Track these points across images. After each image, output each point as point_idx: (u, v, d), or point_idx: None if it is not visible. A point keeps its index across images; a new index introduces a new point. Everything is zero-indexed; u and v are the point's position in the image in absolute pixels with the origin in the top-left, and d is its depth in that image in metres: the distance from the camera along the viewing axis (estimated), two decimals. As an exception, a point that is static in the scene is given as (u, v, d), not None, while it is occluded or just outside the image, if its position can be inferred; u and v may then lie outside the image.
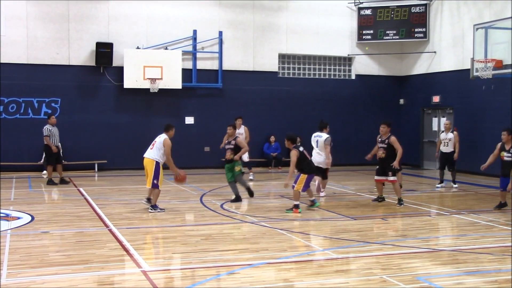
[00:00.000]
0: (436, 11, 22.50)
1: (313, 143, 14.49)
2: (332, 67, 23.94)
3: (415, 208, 13.28)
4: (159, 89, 20.72)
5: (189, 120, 21.81)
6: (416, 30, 22.92)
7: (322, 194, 14.66)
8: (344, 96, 23.68)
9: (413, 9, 22.87)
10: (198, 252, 8.80)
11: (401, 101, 24.38)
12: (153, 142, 12.40)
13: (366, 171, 18.22)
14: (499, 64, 16.06)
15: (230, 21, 22.18)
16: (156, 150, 12.23)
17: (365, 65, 24.03)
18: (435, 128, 22.72)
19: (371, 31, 23.41)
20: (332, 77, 23.89)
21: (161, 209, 12.31)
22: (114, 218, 11.43)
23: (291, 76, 23.33)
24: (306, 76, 23.55)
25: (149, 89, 20.63)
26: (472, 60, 17.13)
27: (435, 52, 22.51)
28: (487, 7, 19.92)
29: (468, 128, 20.20)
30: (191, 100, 21.92)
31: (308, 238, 9.76)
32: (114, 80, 20.86)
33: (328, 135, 14.46)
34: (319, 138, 14.39)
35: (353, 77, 24.07)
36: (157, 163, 12.19)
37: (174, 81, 20.94)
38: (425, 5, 22.68)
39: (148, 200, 12.60)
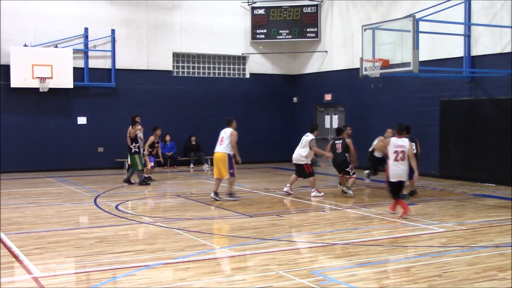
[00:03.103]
0: (326, 11, 23.15)
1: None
2: (226, 66, 24.08)
3: (309, 204, 13.62)
4: (50, 88, 20.02)
5: (82, 120, 21.25)
6: (308, 30, 23.48)
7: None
8: (239, 94, 23.88)
9: (305, 9, 23.41)
10: (93, 255, 8.59)
11: (295, 99, 24.90)
12: (221, 138, 13.82)
13: (261, 168, 18.46)
14: (386, 64, 16.66)
15: (123, 19, 21.78)
16: (225, 144, 13.69)
17: (259, 64, 24.34)
18: (327, 125, 23.37)
19: (265, 31, 23.75)
20: (226, 76, 24.03)
21: (236, 197, 13.73)
22: (2, 224, 10.92)
23: (185, 75, 23.24)
24: (201, 75, 23.54)
25: (38, 88, 19.88)
26: (361, 59, 17.71)
27: (326, 51, 23.16)
28: (374, 9, 20.74)
29: (358, 125, 20.91)
30: (84, 100, 21.34)
31: (205, 237, 9.77)
32: (1, 79, 19.94)
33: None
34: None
35: (248, 75, 24.32)
36: (229, 155, 13.66)
37: (65, 80, 20.31)
38: (316, 5, 23.28)
39: (216, 194, 13.67)
